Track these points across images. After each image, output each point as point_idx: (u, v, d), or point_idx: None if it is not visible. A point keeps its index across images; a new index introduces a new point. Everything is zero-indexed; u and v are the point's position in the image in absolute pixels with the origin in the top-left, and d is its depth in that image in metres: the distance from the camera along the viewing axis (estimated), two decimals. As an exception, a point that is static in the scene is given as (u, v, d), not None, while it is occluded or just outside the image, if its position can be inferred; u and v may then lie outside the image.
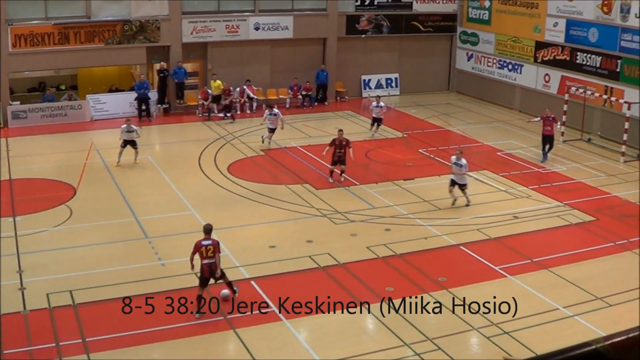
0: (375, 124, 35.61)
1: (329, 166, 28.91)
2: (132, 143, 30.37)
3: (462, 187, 26.60)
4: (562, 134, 35.95)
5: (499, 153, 33.39)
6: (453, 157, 26.88)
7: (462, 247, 23.09)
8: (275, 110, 33.35)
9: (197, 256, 18.35)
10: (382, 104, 35.76)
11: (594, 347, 2.12)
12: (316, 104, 42.37)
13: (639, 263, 22.32)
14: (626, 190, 29.06)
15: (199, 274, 18.60)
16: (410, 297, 19.47)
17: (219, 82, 38.95)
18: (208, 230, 18.70)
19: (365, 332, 18.04)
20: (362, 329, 18.16)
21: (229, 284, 19.00)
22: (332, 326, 18.01)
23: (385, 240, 23.31)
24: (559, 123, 33.37)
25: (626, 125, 33.26)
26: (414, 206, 26.51)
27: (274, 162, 31.22)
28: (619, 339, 2.14)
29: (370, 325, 18.38)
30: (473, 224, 25.02)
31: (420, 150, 33.34)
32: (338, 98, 43.76)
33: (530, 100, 41.78)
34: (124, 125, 30.14)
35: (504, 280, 20.91)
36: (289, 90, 41.82)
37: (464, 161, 26.50)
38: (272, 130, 33.11)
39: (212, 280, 18.45)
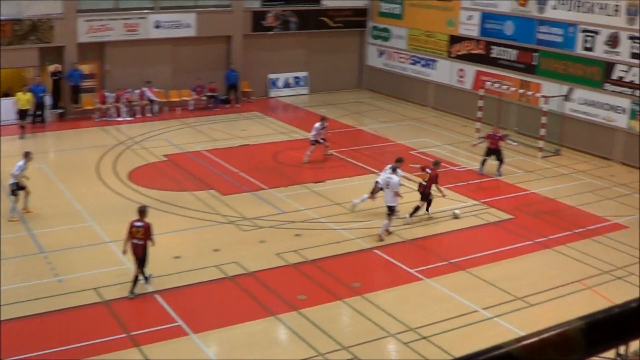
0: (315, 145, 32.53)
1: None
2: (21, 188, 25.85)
3: (389, 210, 24.24)
4: (478, 130, 36.38)
5: (412, 152, 33.58)
6: (387, 167, 25.85)
7: (376, 251, 23.18)
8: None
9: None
10: (326, 124, 33.15)
11: (505, 349, 2.05)
12: (227, 106, 42.01)
13: (558, 261, 22.74)
14: (544, 187, 29.63)
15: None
16: (324, 305, 19.47)
17: (29, 94, 36.32)
18: (142, 211, 19.85)
19: (277, 344, 17.93)
20: (273, 340, 18.04)
21: (142, 273, 19.83)
22: (242, 339, 17.84)
23: (296, 246, 23.24)
24: (513, 142, 32.54)
25: (543, 119, 33.82)
26: (325, 210, 26.51)
27: (177, 167, 30.86)
28: (531, 340, 2.09)
29: (282, 335, 18.27)
30: (388, 226, 25.09)
31: (331, 151, 33.35)
32: (245, 98, 43.40)
33: (445, 96, 42.22)
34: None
35: (421, 284, 21.04)
36: (192, 92, 41.37)
37: (395, 179, 24.56)
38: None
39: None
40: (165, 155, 32.38)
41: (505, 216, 26.44)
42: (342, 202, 27.12)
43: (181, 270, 21.36)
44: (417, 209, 25.63)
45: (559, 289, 20.84)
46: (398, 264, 22.24)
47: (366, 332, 18.25)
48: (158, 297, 19.72)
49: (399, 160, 25.90)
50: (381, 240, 23.91)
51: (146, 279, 20.12)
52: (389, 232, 24.43)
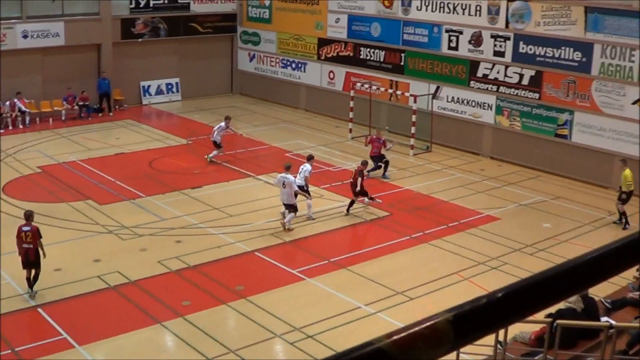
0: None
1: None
2: None
3: (288, 208, 25.19)
4: (350, 130, 36.80)
5: (287, 154, 33.72)
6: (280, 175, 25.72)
7: (257, 253, 23.24)
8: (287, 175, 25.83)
9: None
10: (229, 124, 33.28)
11: (376, 346, 2.11)
12: (100, 114, 41.33)
13: (435, 254, 23.21)
14: (418, 183, 30.21)
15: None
16: (209, 310, 19.45)
17: None
18: (28, 216, 20.21)
19: (165, 351, 17.83)
20: (160, 347, 17.93)
21: (35, 278, 20.05)
22: (128, 348, 17.65)
23: (177, 253, 23.10)
24: (390, 145, 32.51)
25: (413, 118, 34.42)
26: (204, 215, 26.41)
27: (52, 179, 30.20)
28: (401, 335, 2.15)
29: (169, 342, 18.17)
30: (267, 228, 25.20)
31: (206, 157, 33.21)
32: (117, 107, 42.76)
33: (316, 98, 42.55)
34: None
35: (303, 283, 21.23)
36: (64, 102, 40.56)
37: (291, 177, 25.24)
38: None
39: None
40: (39, 167, 31.62)
41: (382, 214, 26.84)
42: (220, 207, 27.07)
43: (63, 282, 20.94)
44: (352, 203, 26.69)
45: (437, 281, 21.30)
46: (280, 266, 22.37)
47: (252, 334, 18.30)
48: (41, 311, 19.32)
49: (287, 167, 25.90)
50: (288, 230, 24.86)
51: (31, 290, 20.06)
52: (288, 230, 25.02)
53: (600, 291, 17.38)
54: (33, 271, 20.07)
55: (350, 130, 36.96)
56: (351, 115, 37.33)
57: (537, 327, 15.41)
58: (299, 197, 25.44)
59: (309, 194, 26.16)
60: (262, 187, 29.36)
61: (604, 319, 16.09)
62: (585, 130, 30.97)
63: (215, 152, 32.49)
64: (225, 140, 32.97)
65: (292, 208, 25.09)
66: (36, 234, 19.91)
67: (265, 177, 30.39)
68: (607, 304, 17.44)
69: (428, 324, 2.19)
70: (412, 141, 34.51)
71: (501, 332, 13.62)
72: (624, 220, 25.97)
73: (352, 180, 26.76)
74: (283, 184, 25.01)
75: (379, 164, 30.75)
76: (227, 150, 33.94)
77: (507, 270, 21.99)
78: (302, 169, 26.39)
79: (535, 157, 32.68)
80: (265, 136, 37.08)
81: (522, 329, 15.56)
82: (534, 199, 28.86)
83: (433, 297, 20.27)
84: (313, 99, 42.94)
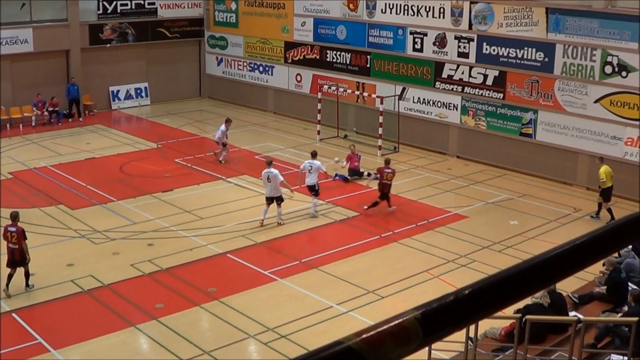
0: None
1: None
2: None
3: (276, 200, 25.77)
4: (318, 132, 36.89)
5: (257, 157, 33.76)
6: (264, 172, 25.96)
7: (229, 255, 23.25)
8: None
9: None
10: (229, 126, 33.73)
11: (345, 344, 2.16)
12: (70, 120, 41.10)
13: (404, 253, 23.34)
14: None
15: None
16: (182, 312, 19.46)
17: None
18: (14, 217, 20.55)
19: (140, 353, 17.79)
20: (135, 350, 17.89)
21: (27, 275, 20.52)
22: (103, 352, 17.58)
23: (150, 256, 23.05)
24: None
25: (380, 119, 34.55)
26: (175, 218, 26.37)
27: (24, 184, 30.01)
28: (370, 333, 2.19)
29: (144, 345, 18.15)
30: (238, 230, 25.22)
31: (176, 160, 33.20)
32: (87, 112, 42.51)
33: (284, 101, 42.63)
34: None
35: (275, 284, 21.26)
36: (34, 108, 40.27)
37: (275, 171, 25.74)
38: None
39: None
40: (10, 173, 31.38)
41: (352, 214, 26.95)
42: (191, 210, 27.05)
43: (37, 287, 20.82)
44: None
45: (407, 279, 21.41)
46: (252, 267, 22.37)
47: (226, 335, 18.32)
48: (15, 316, 19.22)
49: (269, 163, 26.28)
50: (279, 224, 25.73)
51: (28, 285, 20.68)
52: (279, 224, 25.73)
53: (567, 286, 17.57)
54: (18, 269, 20.34)
55: (319, 132, 37.02)
56: (319, 117, 37.38)
57: (506, 323, 15.55)
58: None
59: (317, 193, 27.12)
60: (233, 190, 29.40)
61: (572, 313, 16.29)
62: (549, 129, 31.24)
63: (224, 153, 32.94)
64: (194, 144, 32.92)
65: (279, 200, 25.58)
66: (21, 235, 20.20)
67: (236, 179, 30.44)
68: (574, 299, 17.67)
69: (396, 322, 2.22)
70: (379, 142, 34.65)
71: (472, 328, 13.74)
72: (598, 210, 26.63)
73: (387, 181, 26.96)
74: (268, 178, 25.43)
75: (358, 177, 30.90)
76: (196, 153, 33.91)
77: (476, 268, 22.15)
78: (313, 165, 27.09)
79: (501, 156, 32.93)
80: (235, 139, 36.91)
81: (492, 325, 15.70)
82: (500, 196, 29.08)
83: (403, 296, 20.37)
84: (281, 102, 42.96)
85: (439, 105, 35.10)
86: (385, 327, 2.22)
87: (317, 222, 26.20)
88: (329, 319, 19.05)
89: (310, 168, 27.03)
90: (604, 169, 26.24)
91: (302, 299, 20.25)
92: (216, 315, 19.35)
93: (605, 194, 26.34)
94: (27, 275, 20.53)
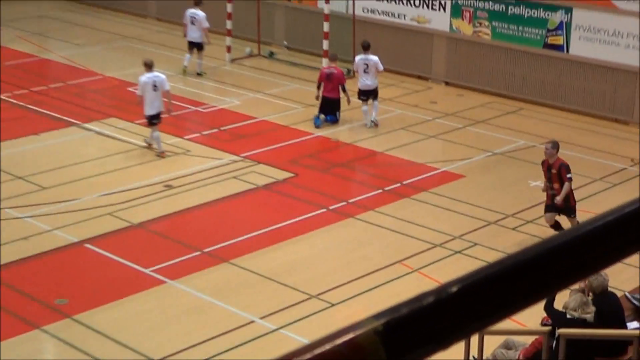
0: None
1: None
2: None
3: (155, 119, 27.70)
4: (229, 49, 36.61)
5: (130, 88, 33.32)
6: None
7: (88, 245, 22.94)
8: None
9: None
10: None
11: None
12: None
13: (366, 234, 23.15)
14: (336, 126, 30.14)
15: None
16: (13, 339, 19.00)
17: None
18: None
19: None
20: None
21: None
22: None
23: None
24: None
25: (325, 27, 34.25)
26: (3, 189, 25.89)
27: None
28: (301, 358, 1.85)
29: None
30: (101, 205, 24.97)
31: (2, 97, 32.64)
32: None
33: (174, 2, 42.09)
34: None
35: (162, 289, 21.08)
36: None
37: (162, 76, 28.05)
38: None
39: None
40: None
41: (282, 175, 26.84)
42: (26, 176, 26.61)
43: None
44: None
45: (370, 276, 21.30)
46: (125, 262, 22.12)
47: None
48: None
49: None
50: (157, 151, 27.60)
51: None
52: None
53: (625, 283, 17.45)
54: None
55: (229, 49, 36.95)
56: (229, 25, 37.16)
57: (528, 341, 15.44)
58: None
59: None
60: (93, 141, 29.06)
61: (632, 325, 16.15)
62: (591, 36, 31.25)
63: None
64: (31, 70, 32.60)
65: (159, 119, 27.39)
66: None
67: (97, 125, 30.04)
68: (636, 302, 17.47)
69: (345, 338, 2.03)
70: (324, 62, 34.30)
71: (474, 346, 13.56)
72: None
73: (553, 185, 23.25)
74: (154, 85, 27.03)
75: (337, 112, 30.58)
76: (35, 86, 33.55)
77: (477, 255, 22.13)
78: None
79: (515, 81, 32.99)
80: (95, 61, 36.80)
81: (505, 343, 15.55)
82: (515, 144, 29.25)
83: (365, 301, 20.25)
84: (168, 4, 42.62)
85: (417, 3, 34.98)
86: (326, 347, 2.01)
87: (229, 189, 25.89)
88: (249, 342, 18.82)
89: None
90: None
91: (204, 312, 20.09)
92: (66, 342, 18.96)
93: None
94: None
